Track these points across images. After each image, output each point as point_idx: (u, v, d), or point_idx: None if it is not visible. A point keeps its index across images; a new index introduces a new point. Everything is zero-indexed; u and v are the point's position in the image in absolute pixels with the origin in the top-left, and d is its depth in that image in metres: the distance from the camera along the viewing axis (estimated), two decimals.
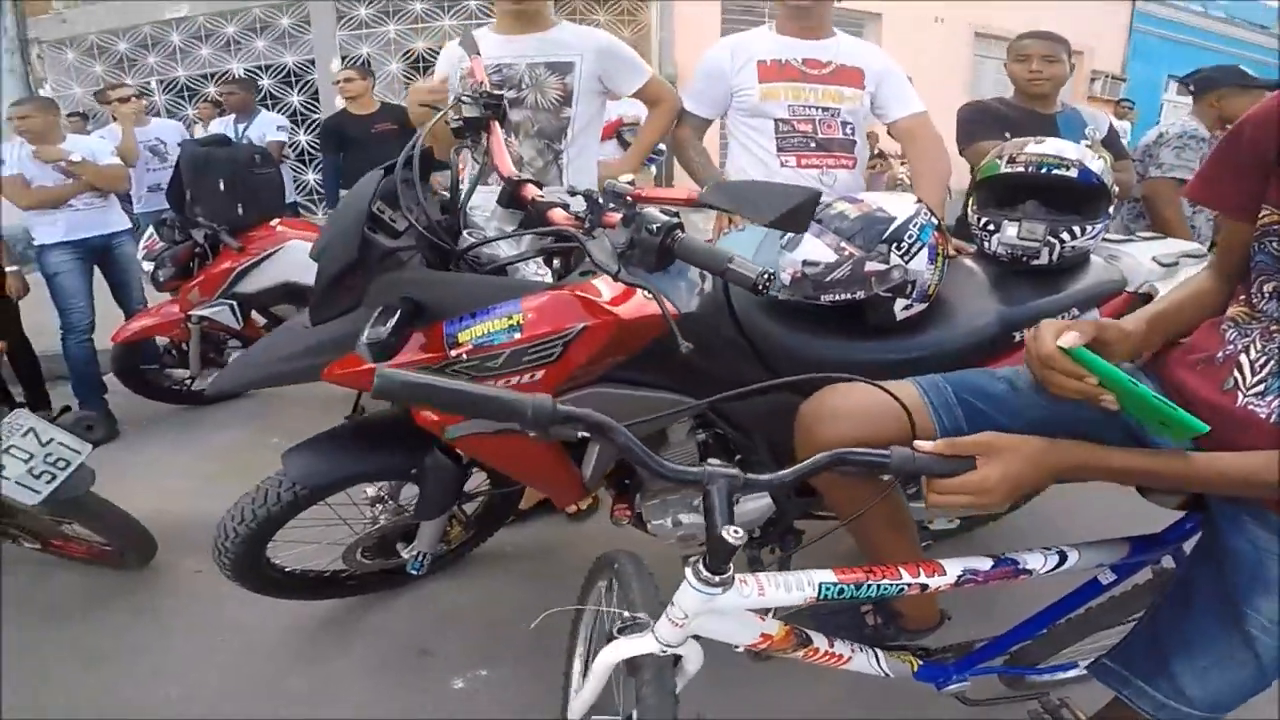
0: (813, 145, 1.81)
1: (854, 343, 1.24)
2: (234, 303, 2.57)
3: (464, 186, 1.24)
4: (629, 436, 0.69)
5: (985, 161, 1.46)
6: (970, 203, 1.48)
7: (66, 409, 1.83)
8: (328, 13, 6.79)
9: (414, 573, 1.62)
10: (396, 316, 1.00)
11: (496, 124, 1.34)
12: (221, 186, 2.56)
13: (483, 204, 1.31)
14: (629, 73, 1.89)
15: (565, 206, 1.15)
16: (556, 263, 1.24)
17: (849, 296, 1.22)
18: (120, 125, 3.41)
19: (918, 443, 0.75)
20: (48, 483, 1.68)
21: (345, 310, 1.12)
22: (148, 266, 2.62)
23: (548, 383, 1.08)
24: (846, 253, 1.20)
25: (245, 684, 1.54)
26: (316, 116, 6.81)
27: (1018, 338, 1.25)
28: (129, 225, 3.00)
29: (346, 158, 3.72)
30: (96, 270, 2.89)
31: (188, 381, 2.94)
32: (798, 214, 0.82)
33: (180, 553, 1.93)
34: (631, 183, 1.02)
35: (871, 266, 1.19)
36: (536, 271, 1.19)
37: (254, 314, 2.74)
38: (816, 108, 1.80)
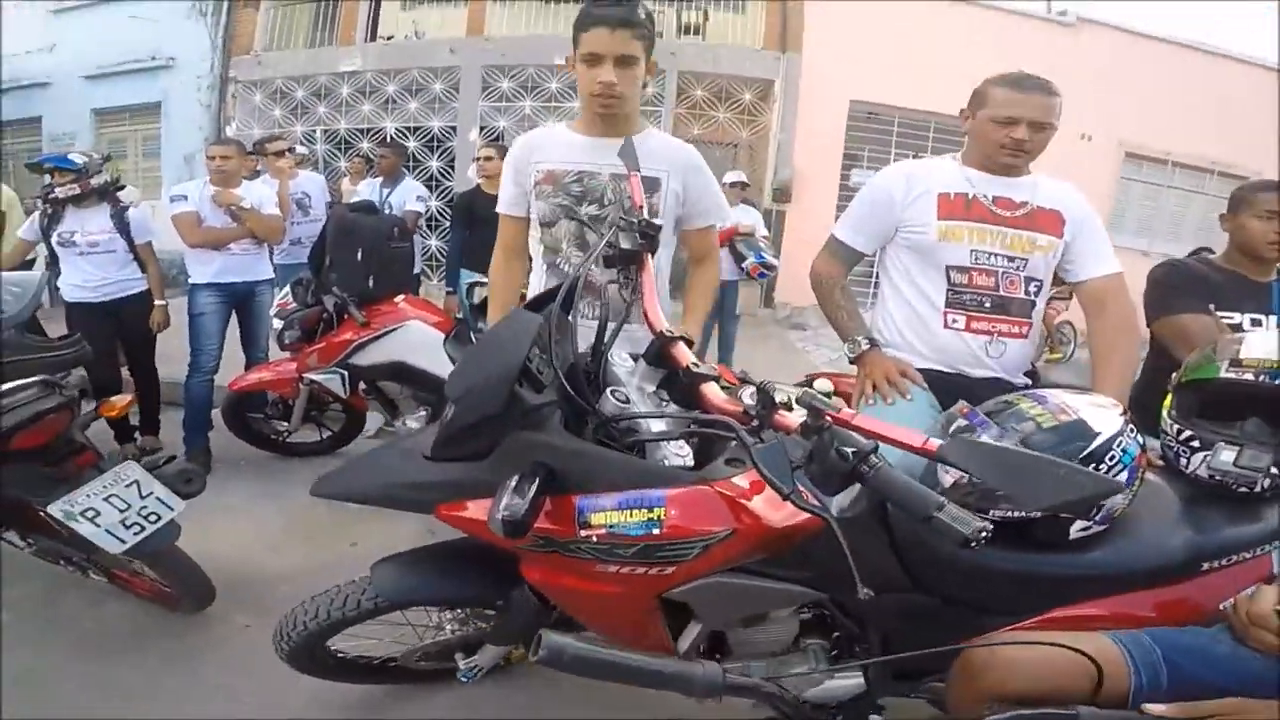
0: (987, 305, 1.55)
1: (1022, 554, 1.09)
2: (345, 373, 2.64)
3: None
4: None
5: (1195, 359, 1.25)
6: (1168, 407, 1.26)
7: (172, 458, 1.88)
8: (475, 82, 7.32)
9: (462, 681, 1.53)
10: (534, 489, 0.92)
11: (650, 260, 1.27)
12: (359, 256, 2.66)
13: (620, 359, 1.23)
14: (709, 204, 1.66)
15: (716, 379, 1.06)
16: (695, 441, 1.13)
17: (1021, 515, 1.07)
18: (276, 178, 3.65)
19: (1149, 706, 0.73)
20: (135, 534, 1.73)
21: (471, 454, 1.06)
22: (276, 324, 2.74)
23: (676, 578, 1.02)
24: None
25: None
26: (450, 184, 7.27)
27: (1204, 567, 1.12)
28: (271, 276, 3.17)
29: (471, 235, 3.82)
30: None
31: (285, 433, 3.02)
32: (1079, 506, 0.73)
33: (235, 604, 1.96)
34: (820, 390, 0.90)
35: None
36: (676, 452, 1.10)
37: (361, 385, 2.79)
38: (1002, 256, 1.54)
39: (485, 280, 2.79)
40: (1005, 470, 0.75)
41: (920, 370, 1.57)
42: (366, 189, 4.21)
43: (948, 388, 1.53)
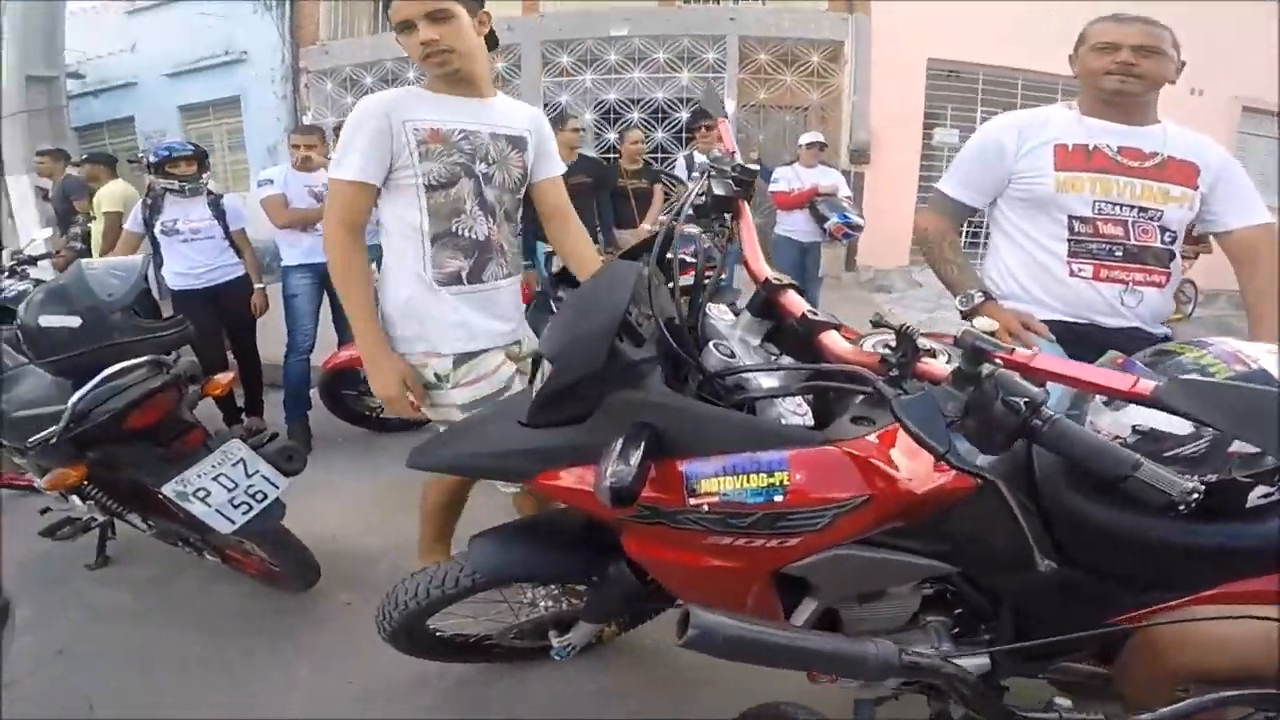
0: (1118, 254, 1.48)
1: (1190, 524, 0.94)
2: None
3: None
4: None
5: None
6: None
7: (275, 435, 1.90)
8: (535, 59, 7.28)
9: (556, 659, 1.49)
10: (640, 452, 0.83)
11: (746, 207, 1.19)
12: None
13: (718, 311, 1.15)
14: (552, 160, 1.66)
15: (837, 327, 0.97)
16: (811, 399, 1.03)
17: (1215, 478, 0.92)
18: None
19: None
20: (244, 514, 1.75)
21: (569, 419, 0.98)
22: None
23: (799, 550, 0.91)
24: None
25: None
26: None
27: None
28: None
29: None
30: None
31: (379, 409, 3.07)
32: None
33: (336, 581, 1.99)
34: (982, 328, 0.76)
35: (1239, 448, 0.90)
36: (793, 410, 0.99)
37: None
38: (1132, 207, 1.46)
39: None
40: (1249, 415, 0.61)
41: (1045, 322, 1.47)
42: None
43: (1078, 339, 1.43)
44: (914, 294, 6.81)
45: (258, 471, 1.78)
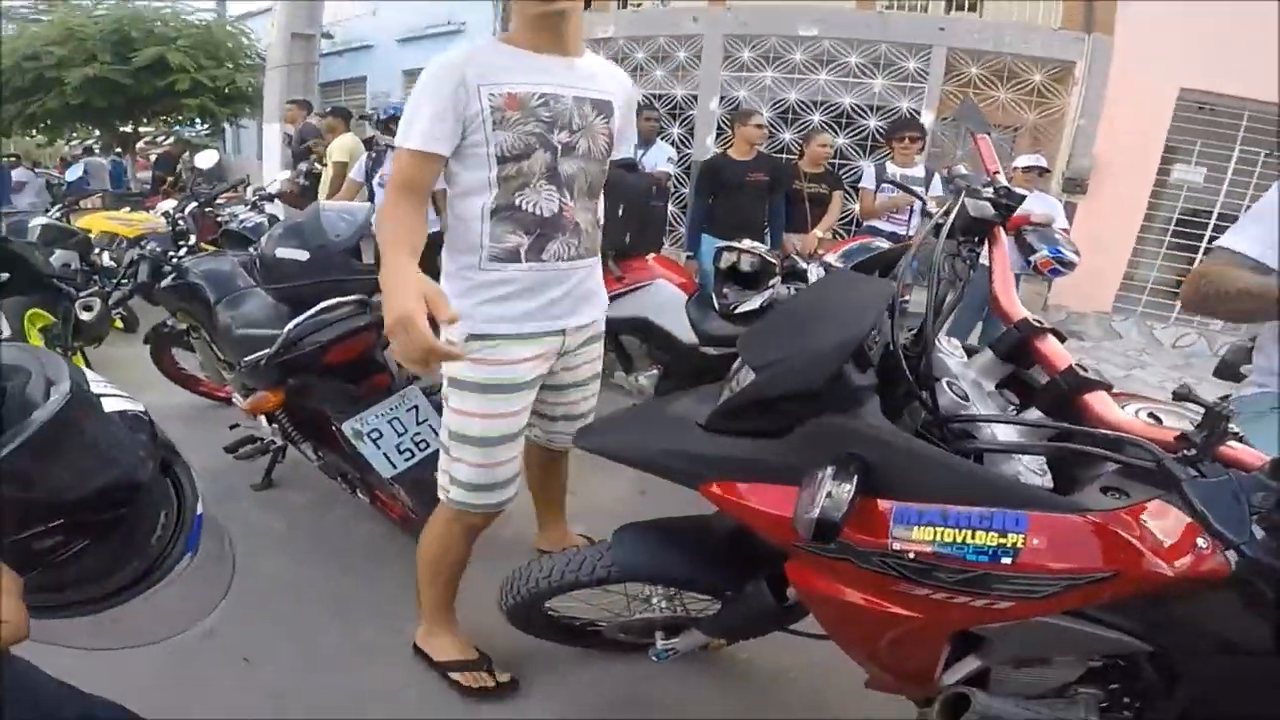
0: None
1: None
2: None
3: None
4: None
5: None
6: None
7: (438, 388, 2.01)
8: (717, 51, 7.17)
9: (653, 660, 1.45)
10: (853, 487, 0.78)
11: (1004, 234, 1.11)
12: (620, 212, 2.69)
13: (950, 346, 1.05)
14: (630, 134, 1.57)
15: (1109, 388, 0.88)
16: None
17: None
18: None
19: None
20: (405, 460, 1.84)
21: (754, 430, 0.94)
22: None
23: (1006, 614, 0.86)
24: None
25: (438, 696, 1.55)
26: (689, 152, 7.26)
27: None
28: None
29: (715, 200, 3.76)
30: None
31: None
32: None
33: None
34: None
35: None
36: (1033, 469, 0.90)
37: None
38: None
39: (735, 245, 2.67)
40: None
41: None
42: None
43: None
44: (1109, 344, 5.96)
45: (427, 420, 1.88)
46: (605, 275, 2.60)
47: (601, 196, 1.51)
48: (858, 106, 6.69)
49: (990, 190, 1.12)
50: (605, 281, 2.65)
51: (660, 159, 4.13)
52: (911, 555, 0.83)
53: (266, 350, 1.78)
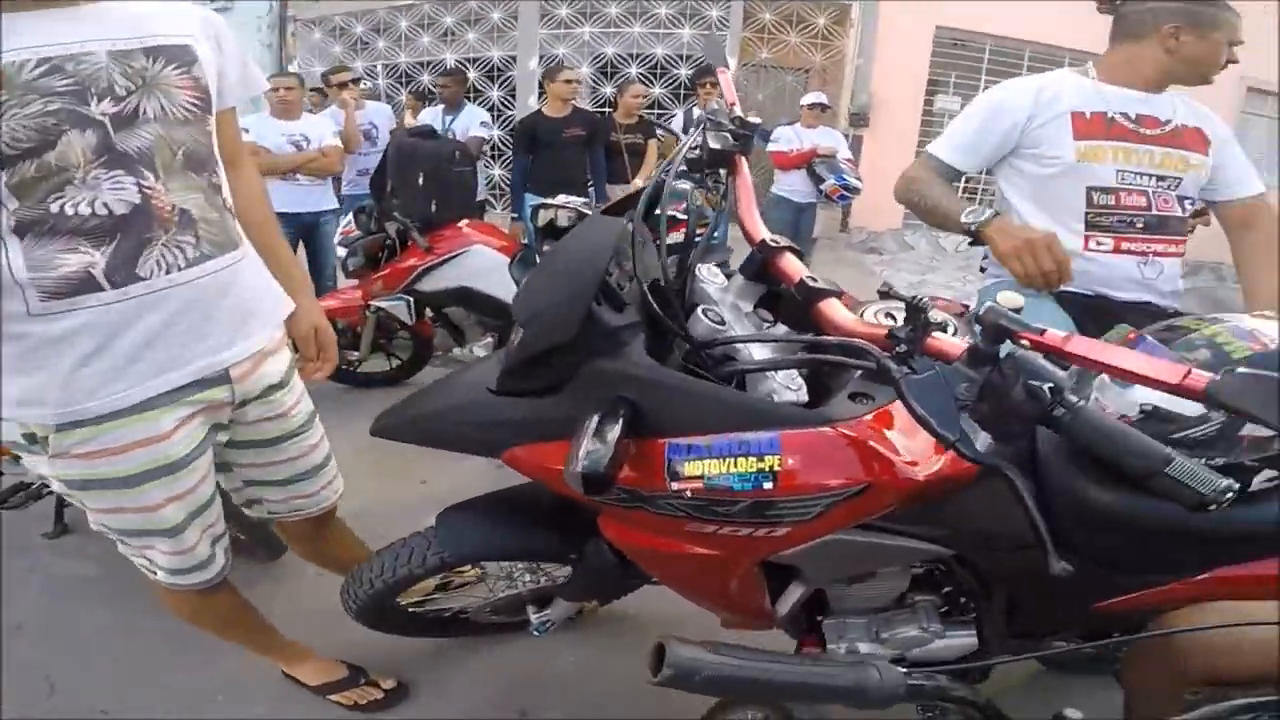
0: (1139, 225, 1.42)
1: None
2: (411, 299, 2.61)
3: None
4: None
5: None
6: None
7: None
8: (534, 10, 7.05)
9: (534, 635, 1.45)
10: (617, 432, 0.75)
11: (745, 162, 1.11)
12: (420, 181, 2.59)
13: (709, 274, 1.08)
14: (247, 77, 1.12)
15: (839, 295, 0.90)
16: (805, 373, 0.95)
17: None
18: (344, 111, 3.61)
19: None
20: None
21: (541, 388, 0.91)
22: (341, 252, 2.73)
23: (788, 540, 0.86)
24: None
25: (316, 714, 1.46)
26: (512, 113, 7.10)
27: None
28: (336, 206, 3.18)
29: (535, 159, 3.76)
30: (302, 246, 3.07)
31: (355, 363, 3.02)
32: None
33: None
34: (1006, 304, 0.70)
35: (1251, 431, 0.85)
36: (787, 385, 0.91)
37: (427, 311, 2.78)
38: (1152, 176, 1.41)
39: (549, 202, 2.70)
40: None
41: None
42: (430, 117, 4.12)
43: (1086, 313, 1.39)
44: (905, 256, 6.82)
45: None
46: (412, 248, 2.59)
47: (234, 170, 1.13)
48: (670, 57, 6.90)
49: (730, 122, 1.13)
50: (414, 255, 2.62)
51: (473, 123, 4.00)
52: (689, 493, 0.82)
53: None
